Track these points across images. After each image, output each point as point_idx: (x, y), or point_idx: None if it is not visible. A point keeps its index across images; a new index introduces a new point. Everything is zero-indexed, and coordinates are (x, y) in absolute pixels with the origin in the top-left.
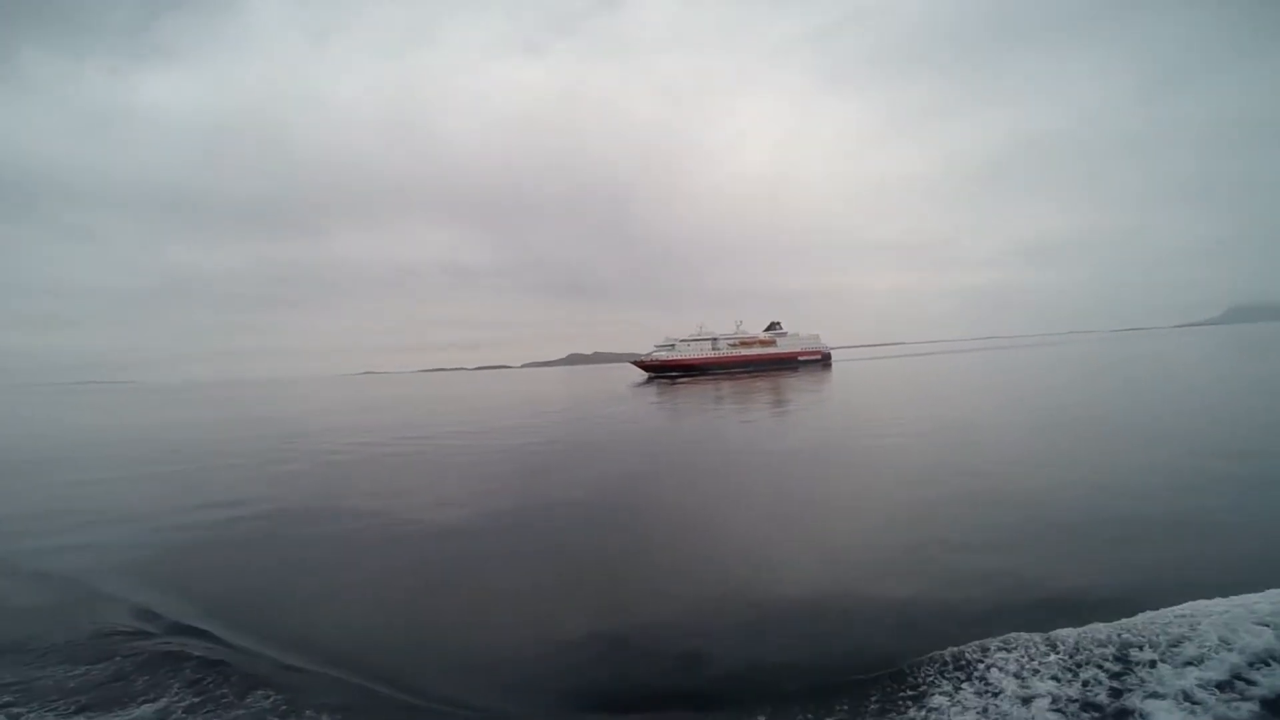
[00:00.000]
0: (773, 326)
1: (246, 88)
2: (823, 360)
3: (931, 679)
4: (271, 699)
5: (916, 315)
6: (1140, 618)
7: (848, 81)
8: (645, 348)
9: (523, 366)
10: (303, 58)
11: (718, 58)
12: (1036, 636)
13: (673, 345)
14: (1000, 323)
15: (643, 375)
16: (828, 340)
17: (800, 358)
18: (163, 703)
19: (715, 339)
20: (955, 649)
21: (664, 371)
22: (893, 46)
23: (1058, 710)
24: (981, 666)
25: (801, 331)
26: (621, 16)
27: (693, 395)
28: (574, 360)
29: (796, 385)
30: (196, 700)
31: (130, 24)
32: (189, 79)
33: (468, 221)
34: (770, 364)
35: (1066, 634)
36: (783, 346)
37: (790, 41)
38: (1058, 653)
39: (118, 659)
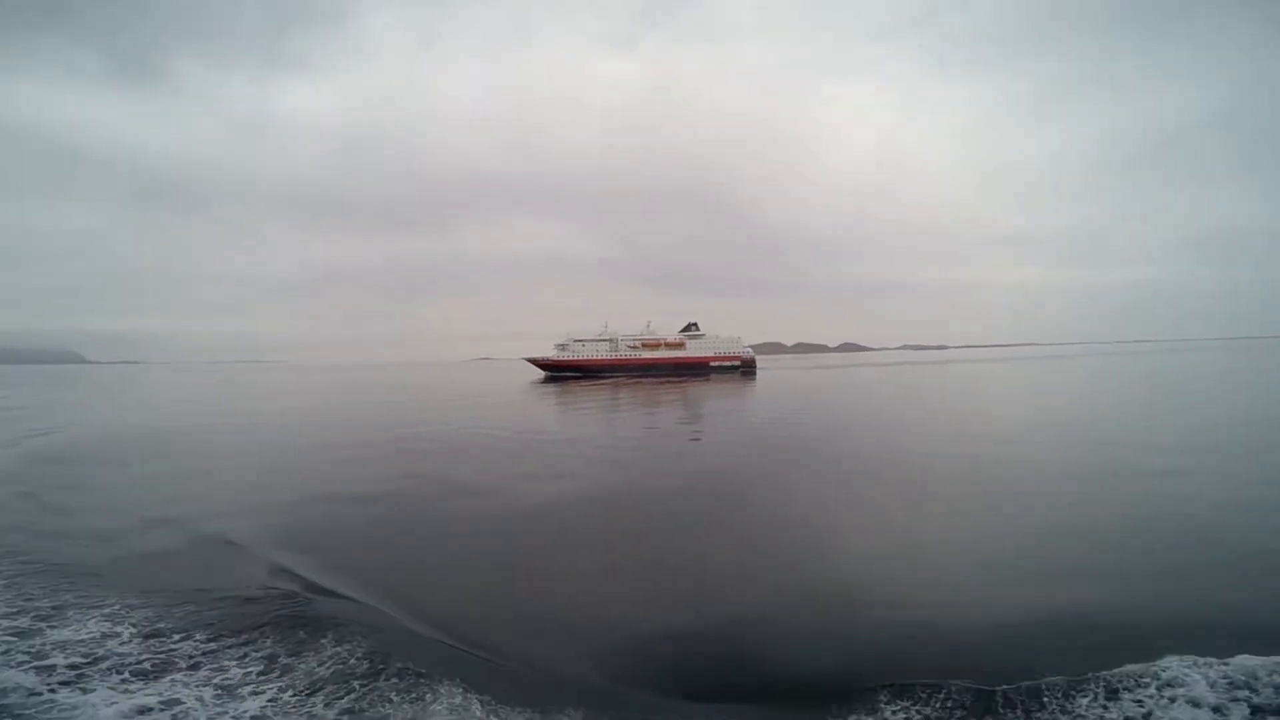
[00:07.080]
0: (689, 328)
1: (369, 93)
2: (742, 367)
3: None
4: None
5: (1054, 314)
6: None
7: (959, 64)
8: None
9: None
10: (415, 63)
11: (809, 44)
12: None
13: (565, 345)
14: (1155, 324)
15: (540, 374)
16: (935, 339)
17: (713, 363)
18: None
19: (616, 340)
20: None
21: (558, 371)
22: (1007, 25)
23: None
24: None
25: (721, 334)
26: (709, 4)
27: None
28: None
29: (672, 397)
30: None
31: (266, 36)
32: (321, 86)
33: (570, 214)
34: (676, 369)
35: None
36: (693, 350)
37: (888, 26)
38: None
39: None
